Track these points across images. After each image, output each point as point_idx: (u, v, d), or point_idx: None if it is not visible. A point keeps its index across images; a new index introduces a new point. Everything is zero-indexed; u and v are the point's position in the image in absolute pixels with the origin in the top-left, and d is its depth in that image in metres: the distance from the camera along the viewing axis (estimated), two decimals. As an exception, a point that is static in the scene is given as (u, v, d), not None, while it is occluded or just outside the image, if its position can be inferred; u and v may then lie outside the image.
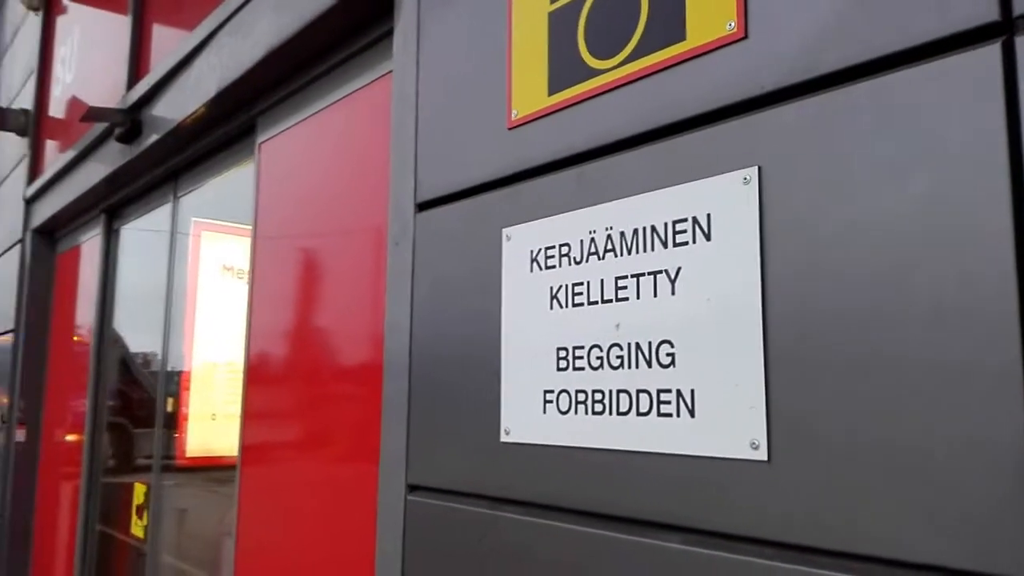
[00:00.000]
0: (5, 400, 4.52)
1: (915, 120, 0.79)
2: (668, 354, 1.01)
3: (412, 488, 1.40)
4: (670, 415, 0.99)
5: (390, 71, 1.69)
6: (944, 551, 0.73)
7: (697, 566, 0.94)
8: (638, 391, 1.04)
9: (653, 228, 1.03)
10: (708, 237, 0.97)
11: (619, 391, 1.06)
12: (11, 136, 4.86)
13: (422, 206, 1.44)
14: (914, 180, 0.78)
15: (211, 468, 3.29)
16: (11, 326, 4.47)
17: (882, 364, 0.79)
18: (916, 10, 0.80)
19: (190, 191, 3.01)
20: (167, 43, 2.91)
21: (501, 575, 1.19)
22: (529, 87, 1.25)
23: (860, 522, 0.80)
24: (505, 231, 1.25)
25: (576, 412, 1.12)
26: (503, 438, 1.22)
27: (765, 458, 0.88)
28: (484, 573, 1.22)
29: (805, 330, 0.86)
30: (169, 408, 3.17)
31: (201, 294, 3.26)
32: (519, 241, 1.23)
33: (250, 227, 2.36)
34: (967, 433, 0.73)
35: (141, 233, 3.55)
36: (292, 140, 2.20)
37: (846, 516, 0.81)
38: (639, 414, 1.03)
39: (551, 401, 1.16)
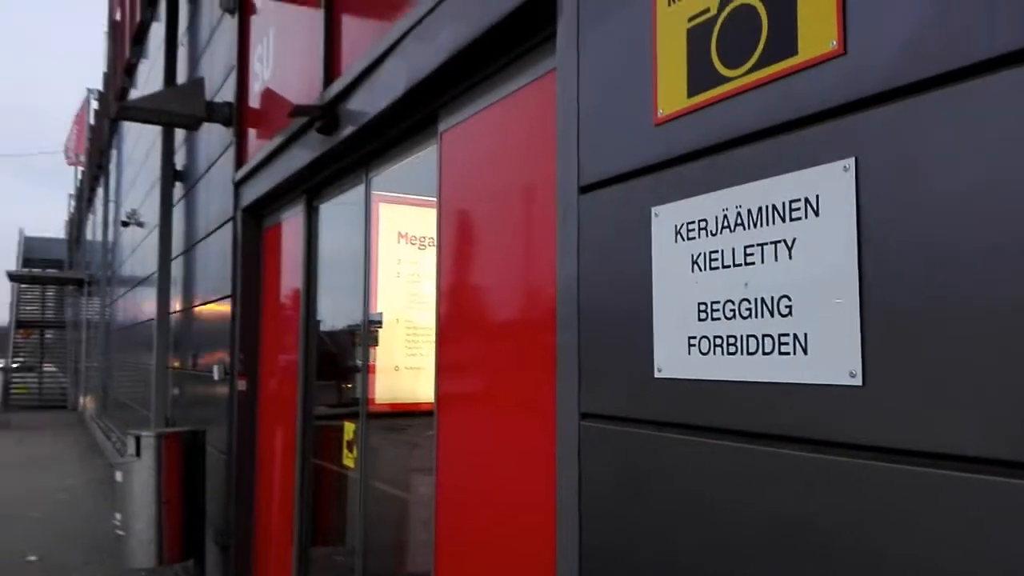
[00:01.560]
0: (219, 356, 5.30)
1: (981, 121, 1.02)
2: (786, 306, 1.28)
3: (584, 416, 1.75)
4: (788, 353, 1.27)
5: (552, 69, 2.01)
6: (991, 445, 0.98)
7: (810, 468, 1.22)
8: (763, 335, 1.32)
9: (773, 206, 1.30)
10: (817, 213, 1.23)
11: (748, 335, 1.35)
12: (217, 126, 5.58)
13: (584, 189, 1.76)
14: (974, 170, 1.02)
15: (397, 414, 3.81)
16: (228, 292, 5.22)
17: (945, 310, 1.04)
18: (979, 29, 1.02)
19: (379, 173, 3.48)
20: (357, 44, 3.36)
21: (654, 482, 1.52)
22: (671, 89, 1.53)
23: (931, 428, 1.05)
24: (653, 209, 1.55)
25: (714, 353, 1.42)
26: (656, 375, 1.53)
27: (860, 383, 1.15)
28: (641, 480, 1.55)
29: (890, 286, 1.11)
30: (362, 361, 3.69)
31: (382, 259, 3.75)
32: (665, 218, 1.52)
33: (424, 199, 2.78)
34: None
35: (336, 210, 4.09)
36: (470, 129, 2.57)
37: (922, 425, 1.07)
38: (764, 353, 1.32)
39: (694, 345, 1.46)
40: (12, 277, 26.91)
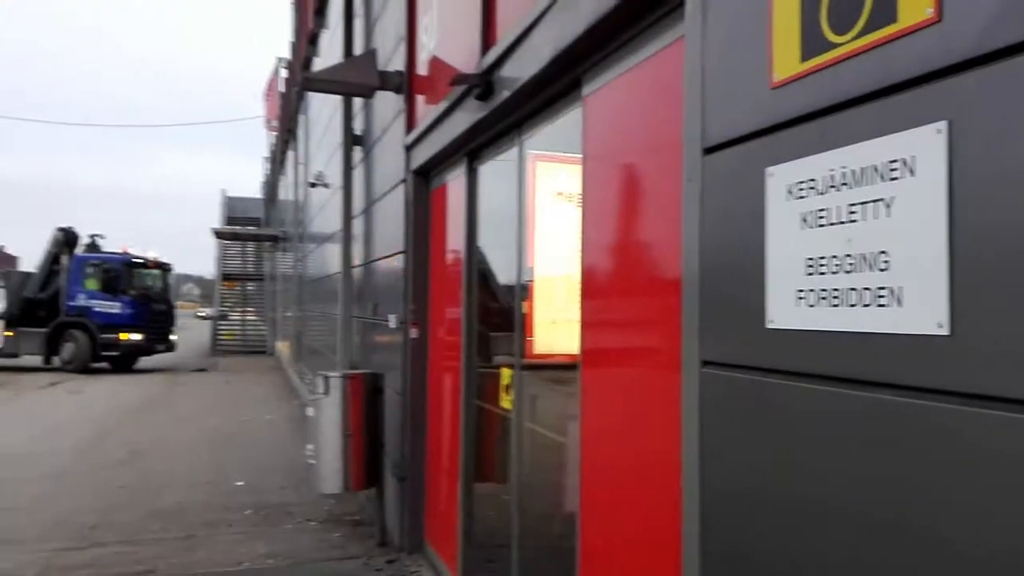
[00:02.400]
0: (394, 306, 5.78)
1: (1063, 82, 1.06)
2: (884, 261, 1.37)
3: (704, 363, 1.89)
4: (884, 305, 1.36)
5: (680, 37, 2.11)
6: (1058, 394, 1.05)
7: (905, 412, 1.31)
8: (863, 288, 1.41)
9: (874, 167, 1.38)
10: (912, 173, 1.30)
11: (850, 289, 1.44)
12: (390, 93, 6.00)
13: (707, 150, 1.88)
14: (1053, 130, 1.07)
15: (552, 367, 4.04)
16: (402, 248, 5.68)
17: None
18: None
19: (532, 135, 3.69)
20: (510, 14, 3.56)
21: (763, 421, 1.65)
22: (786, 55, 1.61)
23: (1014, 376, 1.13)
24: (768, 170, 1.65)
25: (819, 305, 1.52)
26: (768, 326, 1.65)
27: (948, 333, 1.23)
28: (752, 420, 1.69)
29: (977, 243, 1.18)
30: (518, 313, 3.95)
31: (539, 216, 3.96)
32: (778, 178, 1.62)
33: (574, 156, 2.95)
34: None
35: (494, 170, 4.35)
36: (609, 94, 2.71)
37: (1005, 373, 1.14)
38: (864, 305, 1.41)
39: (802, 298, 1.56)
40: (217, 234, 29.92)
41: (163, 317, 22.35)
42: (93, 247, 21.62)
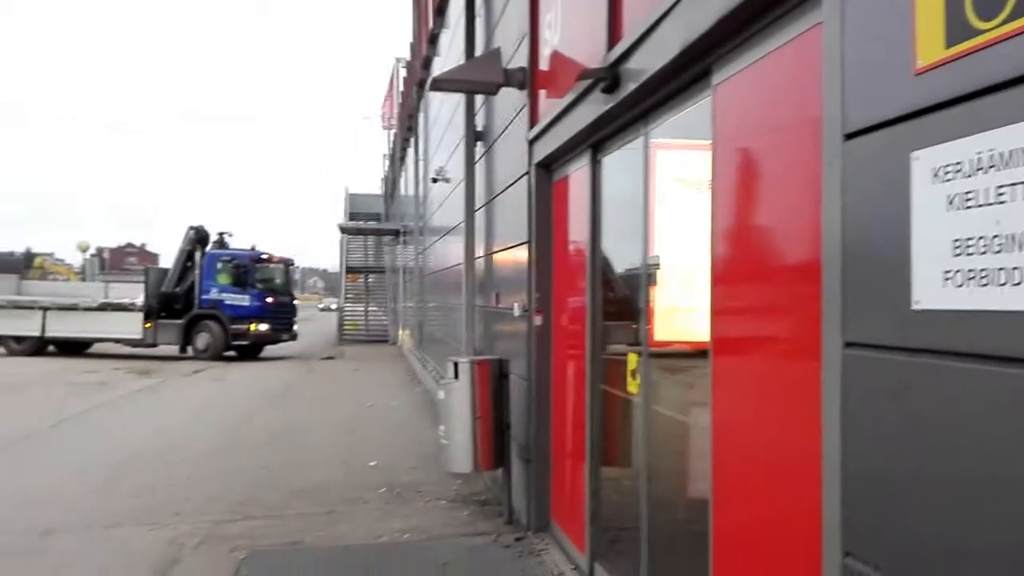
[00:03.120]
0: (517, 295, 5.96)
1: None
2: (1035, 241, 1.39)
3: (847, 344, 1.94)
4: (1035, 284, 1.39)
5: (817, 23, 2.15)
6: None
7: (1053, 388, 1.35)
8: (1013, 268, 1.44)
9: (1023, 150, 1.41)
10: (1064, 154, 1.33)
11: (999, 269, 1.47)
12: (513, 89, 6.18)
13: (848, 136, 1.92)
14: None
15: (678, 354, 4.09)
16: (524, 239, 5.86)
17: None
18: None
19: (657, 125, 3.76)
20: (636, 8, 3.64)
21: (909, 401, 1.69)
22: (930, 41, 1.64)
23: None
24: (912, 154, 1.68)
25: (968, 285, 1.55)
26: (914, 307, 1.69)
27: (1102, 311, 1.26)
28: (896, 400, 1.73)
29: None
30: (642, 301, 4.03)
31: (662, 204, 4.02)
32: (923, 161, 1.66)
33: (698, 143, 3.01)
34: None
35: (618, 161, 4.44)
36: (741, 82, 2.76)
37: None
38: (1014, 284, 1.44)
39: (949, 278, 1.60)
40: (342, 229, 31.22)
41: (286, 308, 23.94)
42: (222, 244, 23.27)
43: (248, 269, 22.08)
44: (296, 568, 5.09)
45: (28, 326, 22.23)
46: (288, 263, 24.65)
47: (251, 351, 22.59)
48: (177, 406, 12.96)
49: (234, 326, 21.60)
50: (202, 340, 21.74)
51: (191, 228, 22.81)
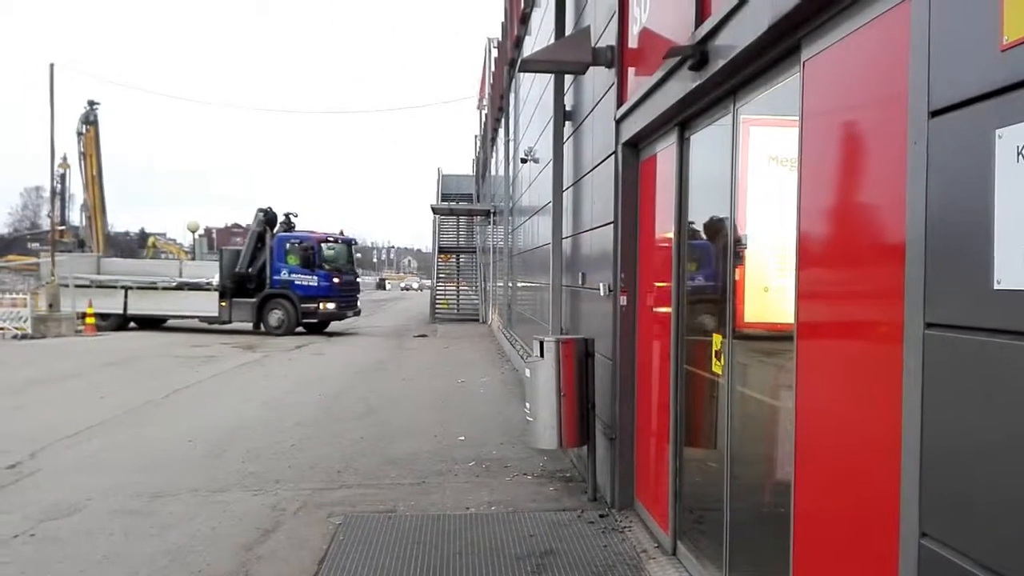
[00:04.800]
0: (603, 275, 5.98)
1: None
2: (1124, 219, 1.35)
3: (928, 325, 1.91)
4: (1123, 264, 1.35)
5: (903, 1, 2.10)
6: None
7: None
8: (1100, 248, 1.40)
9: (1114, 124, 1.37)
10: None
11: (1086, 248, 1.44)
12: (601, 68, 6.17)
13: (933, 113, 1.88)
14: None
15: (764, 336, 4.04)
16: (610, 219, 5.87)
17: None
18: None
19: (746, 102, 3.71)
20: (723, -15, 3.59)
21: (990, 381, 1.66)
22: (1016, 16, 1.60)
23: None
24: (997, 131, 1.64)
25: (1053, 265, 1.52)
26: (995, 287, 1.66)
27: None
28: (980, 379, 1.70)
29: None
30: (729, 280, 3.99)
31: (751, 183, 3.97)
32: (1008, 139, 1.62)
33: (789, 119, 2.96)
34: None
35: (706, 139, 4.40)
36: (831, 57, 2.71)
37: None
38: (1101, 264, 1.40)
39: (1034, 258, 1.56)
40: (434, 210, 31.75)
41: (351, 287, 25.12)
42: (289, 225, 24.45)
43: (315, 250, 23.18)
44: (389, 535, 5.32)
45: (112, 304, 23.75)
46: (351, 243, 25.69)
47: (319, 327, 23.81)
48: (280, 379, 13.60)
49: (304, 305, 22.88)
50: (274, 318, 23.08)
51: (260, 210, 23.97)
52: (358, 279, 27.05)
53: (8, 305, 22.22)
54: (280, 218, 24.23)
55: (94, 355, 17.13)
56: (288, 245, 23.30)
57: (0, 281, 26.68)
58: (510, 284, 17.96)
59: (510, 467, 7.11)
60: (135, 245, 49.27)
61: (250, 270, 23.58)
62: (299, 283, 22.93)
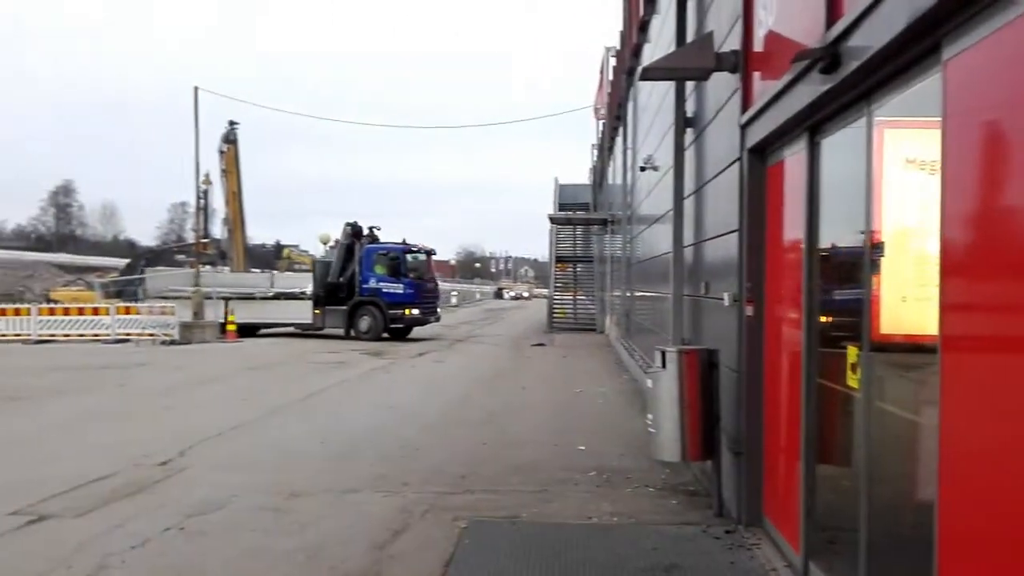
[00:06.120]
0: (727, 284, 5.85)
1: None
2: None
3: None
4: None
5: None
6: None
7: None
8: None
9: None
10: None
11: None
12: (724, 74, 6.06)
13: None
14: None
15: (898, 349, 3.84)
16: (735, 226, 5.74)
17: None
18: None
19: (881, 104, 3.56)
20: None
21: None
22: None
23: None
24: None
25: None
26: None
27: None
28: None
29: None
30: (865, 290, 3.81)
31: (886, 189, 3.79)
32: None
33: (927, 121, 2.82)
34: None
35: (838, 143, 4.24)
36: (976, 56, 2.56)
37: None
38: None
39: None
40: (552, 220, 31.94)
41: (432, 294, 26.87)
42: (373, 238, 26.07)
43: (400, 260, 24.83)
44: (513, 540, 5.39)
45: (214, 314, 25.30)
46: (431, 253, 27.27)
47: (402, 332, 25.29)
48: (405, 385, 14.06)
49: (391, 311, 24.43)
50: (364, 323, 24.60)
51: (347, 224, 25.81)
52: (438, 286, 28.85)
53: (158, 313, 23.96)
54: (365, 231, 25.90)
55: (235, 360, 18.26)
56: (376, 255, 24.97)
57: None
58: (628, 293, 17.81)
59: (631, 478, 7.05)
60: (271, 257, 52.11)
61: (341, 279, 25.18)
62: (386, 290, 24.59)
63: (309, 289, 25.90)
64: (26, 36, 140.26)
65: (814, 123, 4.39)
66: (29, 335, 23.55)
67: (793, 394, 4.77)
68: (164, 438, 8.85)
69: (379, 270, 24.76)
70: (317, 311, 25.19)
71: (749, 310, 5.53)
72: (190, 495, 6.53)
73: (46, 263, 58.41)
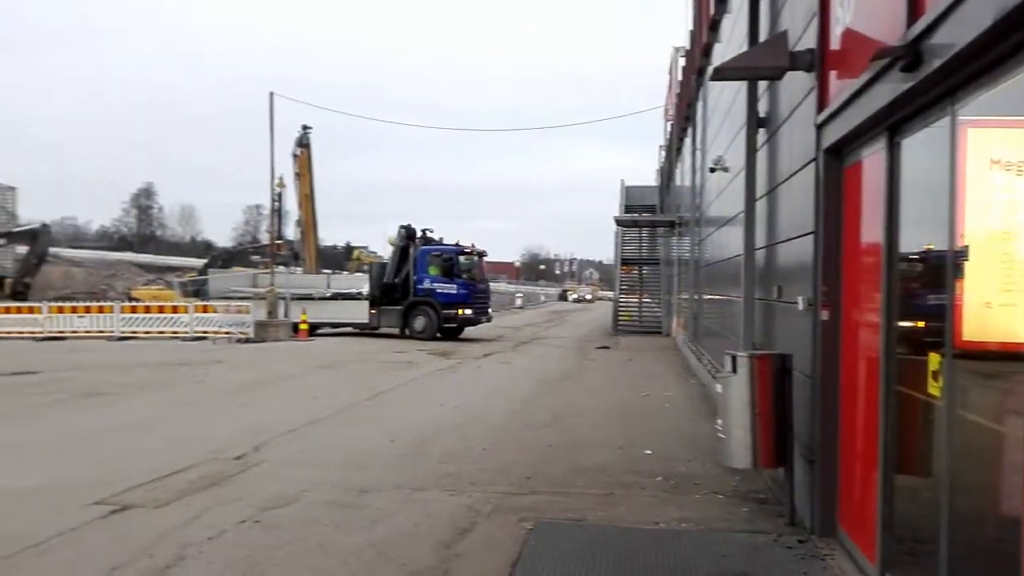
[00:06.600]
0: (801, 288, 5.72)
1: None
2: None
3: None
4: None
5: None
6: None
7: None
8: None
9: None
10: None
11: None
12: (799, 73, 5.93)
13: None
14: None
15: (984, 356, 3.69)
16: (809, 229, 5.61)
17: None
18: None
19: (965, 103, 3.44)
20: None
21: None
22: None
23: None
24: None
25: None
26: None
27: None
28: None
29: None
30: (947, 295, 3.68)
31: (971, 187, 3.64)
32: None
33: (1012, 119, 2.70)
34: None
35: (919, 143, 4.11)
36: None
37: None
38: None
39: None
40: (618, 222, 31.76)
41: (484, 294, 27.53)
42: (427, 239, 26.75)
43: (453, 261, 25.42)
44: (579, 543, 5.39)
45: (261, 315, 25.97)
46: (482, 255, 27.67)
47: (456, 332, 25.92)
48: (471, 385, 14.18)
49: (445, 311, 25.09)
50: (419, 323, 25.35)
51: (401, 227, 26.69)
52: (489, 287, 29.60)
53: (234, 311, 24.74)
54: (419, 233, 26.66)
55: (306, 359, 18.71)
56: (430, 257, 25.63)
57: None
58: (696, 296, 17.57)
59: (700, 484, 6.96)
60: (341, 258, 53.22)
61: (396, 280, 25.96)
62: (440, 291, 25.22)
63: (365, 289, 26.74)
64: (114, 42, 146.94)
65: (894, 122, 4.27)
66: (112, 332, 24.61)
67: (870, 401, 4.64)
68: (239, 433, 9.15)
69: (433, 271, 25.38)
70: (373, 311, 25.95)
71: (825, 314, 5.39)
72: (264, 489, 6.72)
73: (128, 263, 60.97)
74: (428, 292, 25.29)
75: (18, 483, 6.87)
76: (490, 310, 28.56)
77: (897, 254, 4.37)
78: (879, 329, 4.47)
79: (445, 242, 27.11)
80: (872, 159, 4.73)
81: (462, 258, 25.84)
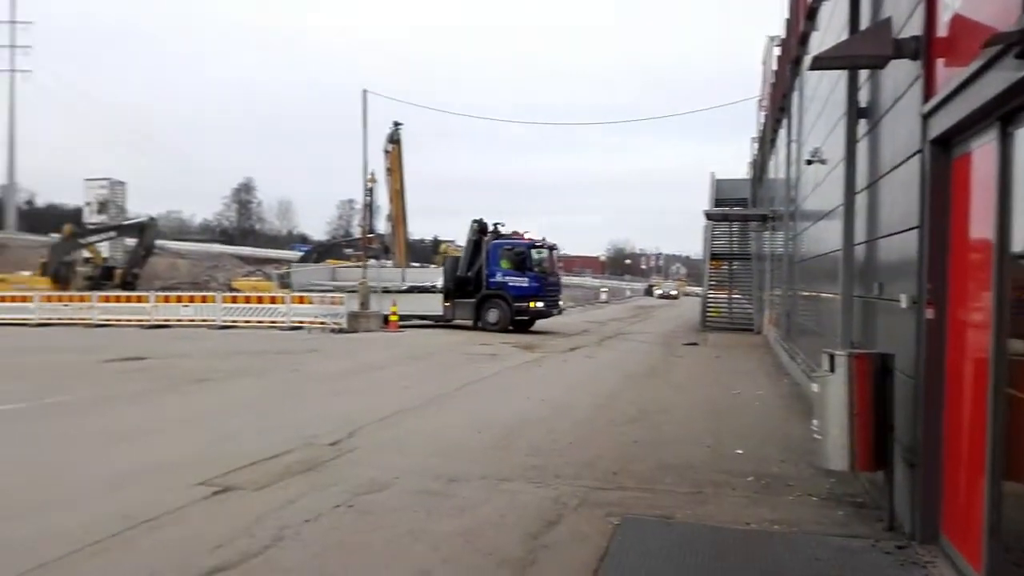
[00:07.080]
0: (904, 285, 5.48)
1: None
2: None
3: None
4: None
5: None
6: None
7: None
8: None
9: None
10: None
11: None
12: (903, 61, 5.69)
13: None
14: None
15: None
16: (913, 223, 5.39)
17: None
18: None
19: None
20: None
21: None
22: None
23: None
24: None
25: None
26: None
27: None
28: None
29: None
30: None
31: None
32: None
33: None
34: None
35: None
36: None
37: None
38: None
39: None
40: (708, 215, 31.14)
41: (555, 287, 27.89)
42: (497, 234, 27.06)
43: (525, 255, 25.87)
44: (667, 540, 5.35)
45: (352, 306, 26.64)
46: (553, 248, 27.92)
47: (527, 324, 26.63)
48: (556, 379, 14.22)
49: (517, 304, 25.62)
50: (492, 315, 25.85)
51: (474, 221, 27.17)
52: (560, 280, 29.92)
53: (329, 303, 25.57)
54: (490, 227, 27.12)
55: (396, 349, 19.17)
56: (502, 251, 26.11)
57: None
58: (790, 293, 17.06)
59: (793, 486, 6.78)
60: (429, 251, 54.16)
61: (469, 273, 26.54)
62: (512, 284, 25.72)
63: (439, 283, 27.43)
64: (220, 45, 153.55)
65: (1007, 112, 4.06)
66: (214, 320, 25.85)
67: (977, 403, 4.43)
68: (334, 420, 9.45)
69: (505, 264, 25.96)
70: (447, 303, 26.69)
71: (930, 313, 5.17)
72: (357, 475, 6.94)
73: (229, 255, 63.77)
74: (501, 285, 25.82)
75: (135, 463, 7.31)
76: (560, 302, 28.97)
77: (1009, 251, 4.15)
78: (988, 329, 4.26)
79: (528, 235, 27.46)
80: (982, 151, 4.51)
81: (534, 252, 26.30)
